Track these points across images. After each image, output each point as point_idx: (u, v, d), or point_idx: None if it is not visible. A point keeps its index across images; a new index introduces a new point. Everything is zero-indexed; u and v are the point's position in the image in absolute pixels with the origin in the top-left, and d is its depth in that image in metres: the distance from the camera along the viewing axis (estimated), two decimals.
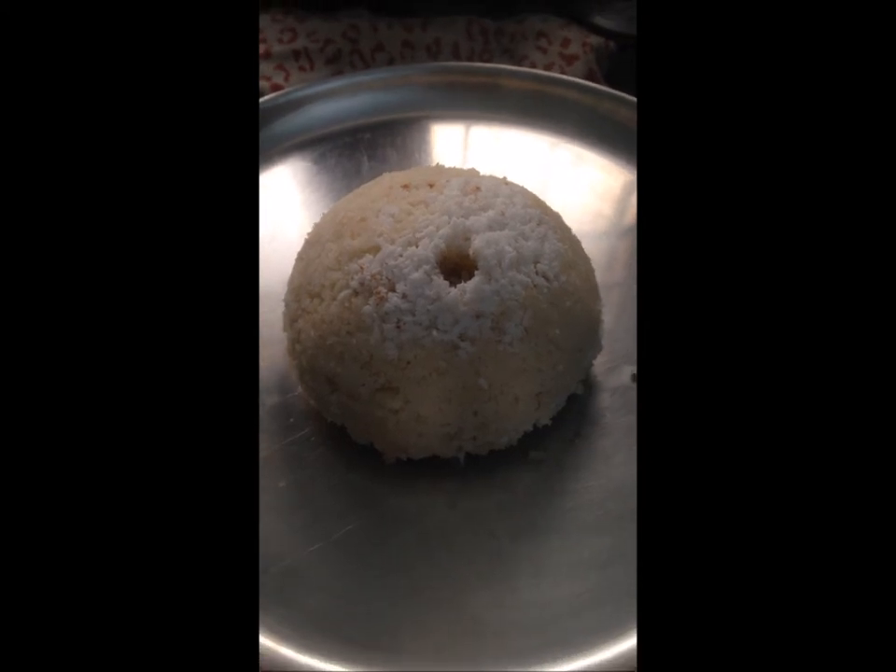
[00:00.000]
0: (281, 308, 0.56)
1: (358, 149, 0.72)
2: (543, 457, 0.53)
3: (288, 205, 0.69)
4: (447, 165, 0.60)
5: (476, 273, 0.48)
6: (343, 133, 0.73)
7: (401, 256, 0.48)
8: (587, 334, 0.52)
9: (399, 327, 0.47)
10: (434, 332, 0.47)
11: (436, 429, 0.50)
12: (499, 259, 0.48)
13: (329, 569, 0.48)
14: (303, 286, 0.52)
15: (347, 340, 0.48)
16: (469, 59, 0.82)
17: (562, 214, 0.56)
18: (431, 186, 0.51)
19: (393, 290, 0.47)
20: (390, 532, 0.50)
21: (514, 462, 0.53)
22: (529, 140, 0.73)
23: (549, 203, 0.56)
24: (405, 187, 0.52)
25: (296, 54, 0.82)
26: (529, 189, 0.56)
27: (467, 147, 0.73)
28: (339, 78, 0.76)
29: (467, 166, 0.59)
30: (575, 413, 0.55)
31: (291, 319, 0.53)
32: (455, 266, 0.49)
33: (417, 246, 0.48)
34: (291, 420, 0.55)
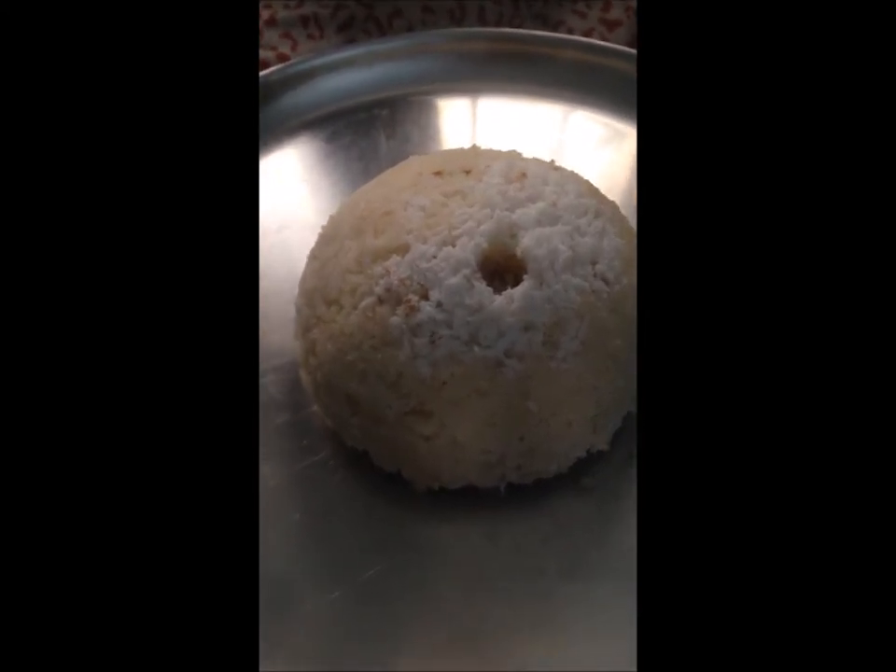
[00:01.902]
0: (291, 311, 0.49)
1: (375, 127, 0.64)
2: (596, 484, 0.46)
3: (298, 191, 0.61)
4: (477, 141, 0.53)
5: (525, 276, 0.40)
6: (358, 108, 0.65)
7: (435, 257, 0.40)
8: None
9: (433, 341, 0.40)
10: (475, 348, 0.40)
11: (475, 457, 0.43)
12: (552, 259, 0.40)
13: (350, 618, 0.42)
14: (318, 290, 0.45)
15: (371, 356, 0.41)
16: (497, 25, 0.74)
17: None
18: (468, 172, 0.44)
19: (426, 298, 0.40)
20: (421, 573, 0.43)
21: (562, 489, 0.46)
22: (569, 116, 0.65)
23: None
24: (437, 174, 0.44)
25: (304, 20, 0.73)
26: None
27: (488, 124, 0.65)
28: (352, 47, 0.68)
29: (497, 146, 0.52)
30: (631, 431, 0.48)
31: (304, 328, 0.46)
32: (498, 268, 0.42)
33: (454, 246, 0.41)
34: (305, 442, 0.48)
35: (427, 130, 0.64)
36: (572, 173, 0.46)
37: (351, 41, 0.72)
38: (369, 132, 0.64)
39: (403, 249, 0.41)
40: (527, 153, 0.48)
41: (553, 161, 0.47)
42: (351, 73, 0.67)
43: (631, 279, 0.43)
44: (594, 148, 0.63)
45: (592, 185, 0.47)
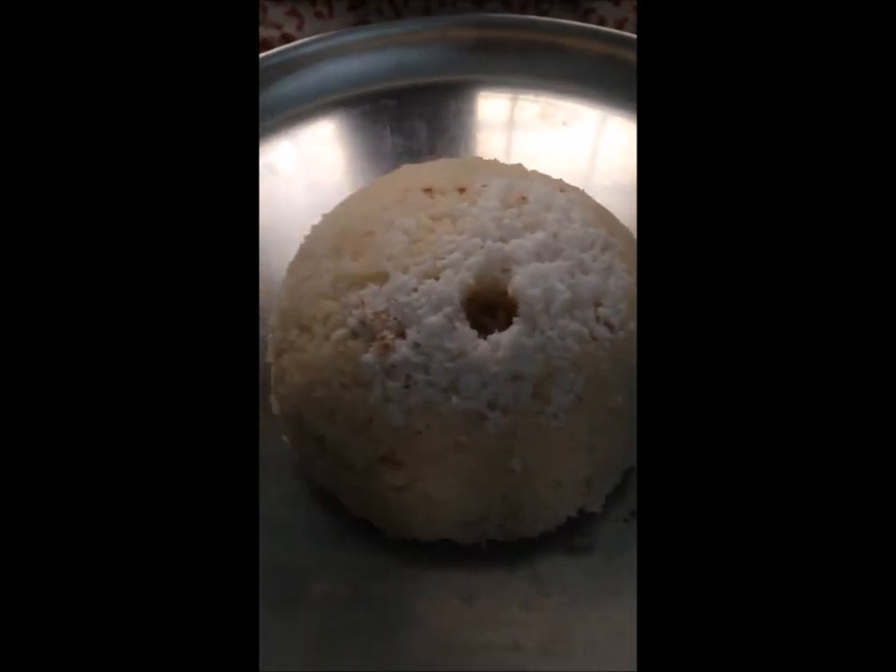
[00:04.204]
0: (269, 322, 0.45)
1: (380, 120, 0.59)
2: (589, 545, 0.41)
3: (291, 187, 0.56)
4: (489, 144, 0.48)
5: (515, 320, 0.35)
6: (364, 98, 0.60)
7: (416, 291, 0.35)
8: None
9: (407, 385, 0.35)
10: (454, 397, 0.35)
11: (451, 514, 0.38)
12: (548, 301, 0.35)
13: None
14: (291, 311, 0.40)
15: (340, 394, 0.37)
16: (523, 10, 0.67)
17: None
18: (462, 191, 0.39)
19: (402, 336, 0.35)
20: (384, 632, 0.39)
21: (550, 548, 0.41)
22: (595, 116, 0.59)
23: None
24: (427, 191, 0.39)
25: None
26: (590, 184, 0.43)
27: (514, 123, 0.59)
28: (362, 30, 0.62)
29: (513, 146, 0.46)
30: (632, 487, 0.43)
31: (277, 351, 0.42)
32: (488, 303, 0.37)
33: (438, 279, 0.36)
34: (272, 473, 0.44)
35: (436, 126, 0.59)
36: (581, 195, 0.41)
37: (362, 22, 0.67)
38: (373, 125, 0.59)
39: (382, 278, 0.37)
40: (544, 162, 0.43)
41: (561, 179, 0.42)
42: (359, 58, 0.61)
43: None
44: (619, 155, 0.57)
45: (604, 210, 0.41)
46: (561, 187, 0.41)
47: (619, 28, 0.64)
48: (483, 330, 0.36)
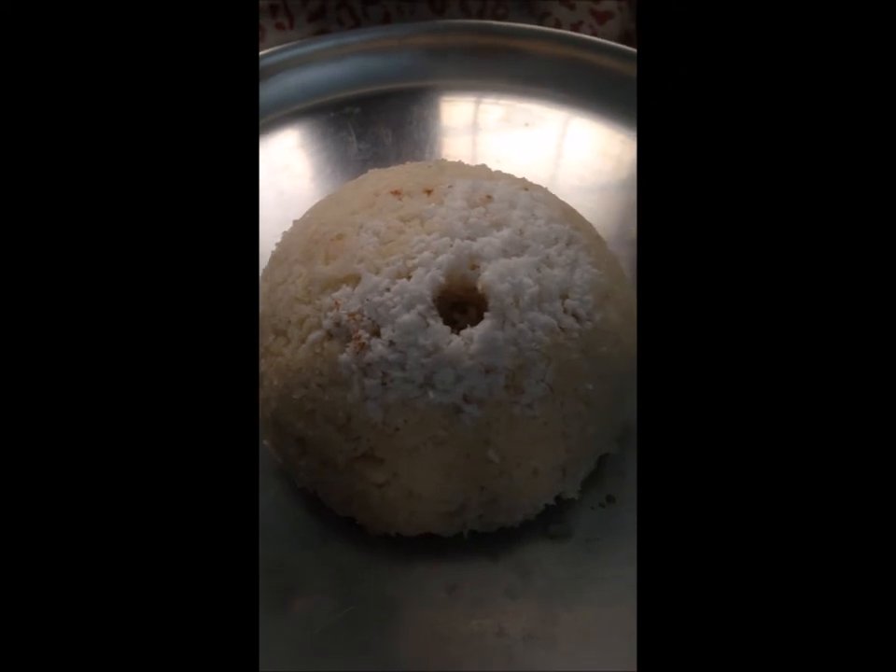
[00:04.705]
0: None
1: (345, 127, 0.60)
2: (566, 531, 0.42)
3: (261, 196, 0.57)
4: (454, 147, 0.49)
5: (486, 314, 0.36)
6: (327, 106, 0.61)
7: (388, 290, 0.36)
8: (626, 384, 0.41)
9: (384, 383, 0.36)
10: (430, 392, 0.36)
11: (432, 507, 0.39)
12: (516, 295, 0.36)
13: None
14: (266, 317, 0.41)
15: (319, 395, 0.38)
16: (481, 16, 0.69)
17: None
18: (429, 193, 0.40)
19: (377, 335, 0.36)
20: (374, 627, 0.40)
21: (531, 537, 0.42)
22: (554, 116, 0.60)
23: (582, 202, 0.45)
24: (396, 193, 0.40)
25: (273, 9, 0.69)
26: (556, 184, 0.45)
27: (478, 126, 0.60)
28: (323, 39, 0.63)
29: (477, 148, 0.48)
30: (606, 474, 0.44)
31: None
32: (459, 300, 0.38)
33: (409, 278, 0.37)
34: None
35: (401, 131, 0.60)
36: (545, 193, 0.42)
37: (322, 32, 0.67)
38: (338, 132, 0.60)
39: (354, 279, 0.37)
40: (509, 163, 0.44)
41: (524, 178, 0.43)
42: (321, 67, 0.62)
43: (606, 314, 0.39)
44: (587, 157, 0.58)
45: (567, 206, 0.43)
46: (525, 185, 0.42)
47: (574, 31, 0.65)
48: (456, 326, 0.37)
